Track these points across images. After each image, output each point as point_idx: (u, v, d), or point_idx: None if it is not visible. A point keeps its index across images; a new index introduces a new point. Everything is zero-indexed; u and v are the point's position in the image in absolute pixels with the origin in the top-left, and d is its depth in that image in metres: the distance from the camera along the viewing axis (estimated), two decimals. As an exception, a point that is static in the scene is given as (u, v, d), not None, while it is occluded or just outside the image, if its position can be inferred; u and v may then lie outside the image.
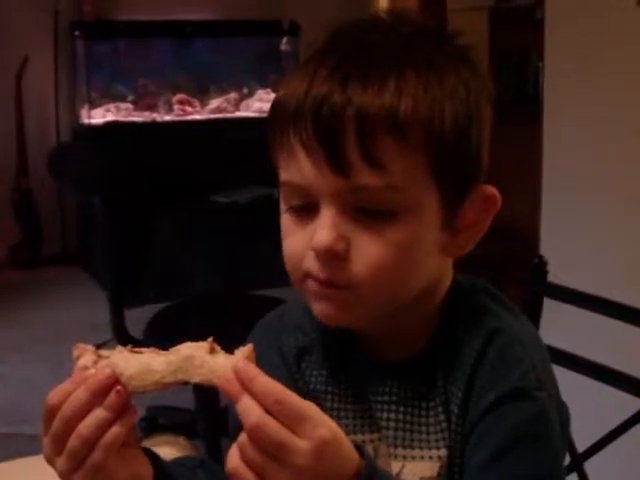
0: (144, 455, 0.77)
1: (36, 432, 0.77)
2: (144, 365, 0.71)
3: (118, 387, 0.71)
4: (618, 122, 2.07)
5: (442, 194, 0.76)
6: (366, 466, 0.69)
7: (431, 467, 0.80)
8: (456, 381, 0.79)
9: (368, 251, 0.74)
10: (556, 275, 1.36)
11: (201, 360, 0.70)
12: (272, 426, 0.65)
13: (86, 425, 0.71)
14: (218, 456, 0.85)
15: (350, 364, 0.85)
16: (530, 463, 0.75)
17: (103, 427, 0.71)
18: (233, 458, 0.67)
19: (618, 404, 1.25)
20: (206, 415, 2.36)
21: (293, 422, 0.65)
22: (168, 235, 3.63)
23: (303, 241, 0.76)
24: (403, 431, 0.82)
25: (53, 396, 0.73)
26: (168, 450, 0.78)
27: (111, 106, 4.73)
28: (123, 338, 2.66)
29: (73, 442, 0.71)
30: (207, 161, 4.23)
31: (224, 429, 0.91)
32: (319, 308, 0.78)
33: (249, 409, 0.66)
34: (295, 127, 0.75)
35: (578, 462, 1.26)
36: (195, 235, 3.67)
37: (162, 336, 2.29)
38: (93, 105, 4.69)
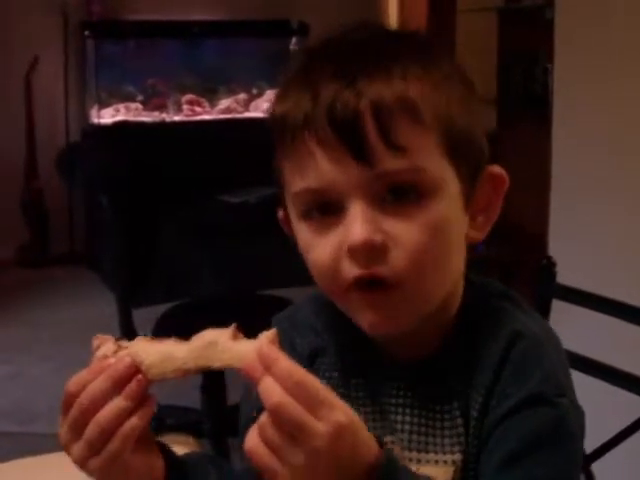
0: (156, 446, 0.77)
1: (44, 431, 0.77)
2: (164, 353, 0.71)
3: (138, 376, 0.71)
4: (628, 123, 2.06)
5: (459, 175, 0.77)
6: (386, 456, 0.68)
7: (445, 472, 0.79)
8: (477, 385, 0.78)
9: (405, 238, 0.73)
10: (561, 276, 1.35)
11: (224, 346, 0.69)
12: (292, 407, 0.65)
13: (105, 415, 0.70)
14: (225, 455, 0.85)
15: (364, 366, 0.84)
16: (548, 469, 0.74)
17: (122, 417, 0.70)
18: (251, 438, 0.67)
19: (626, 405, 1.25)
20: (213, 415, 2.36)
21: (313, 405, 0.65)
22: (176, 235, 3.63)
23: (333, 247, 0.75)
24: (418, 434, 0.81)
25: (72, 384, 0.72)
26: (177, 449, 0.79)
27: (120, 106, 4.75)
28: (131, 338, 2.66)
29: (91, 431, 0.71)
30: (216, 161, 4.23)
31: (231, 429, 0.91)
32: (369, 318, 0.76)
33: (270, 389, 0.66)
34: (310, 130, 0.74)
35: (586, 463, 1.26)
36: (203, 235, 3.67)
37: (170, 336, 2.29)
38: (102, 105, 4.70)
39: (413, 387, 0.81)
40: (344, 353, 0.85)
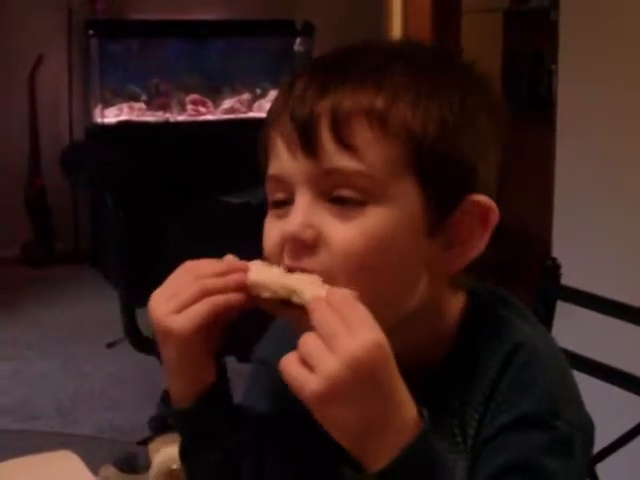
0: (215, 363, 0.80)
1: (47, 429, 0.77)
2: (274, 272, 0.76)
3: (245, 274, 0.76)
4: (632, 124, 2.06)
5: (425, 195, 0.74)
6: (424, 424, 0.69)
7: None
8: (474, 402, 0.77)
9: (337, 238, 0.73)
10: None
11: (318, 287, 0.73)
12: (332, 314, 0.68)
13: (207, 280, 0.75)
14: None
15: None
16: None
17: (219, 289, 0.75)
18: (288, 356, 0.69)
19: (631, 407, 1.25)
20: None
21: (353, 318, 0.67)
22: (179, 234, 3.64)
23: (278, 235, 0.76)
24: None
25: (196, 261, 0.78)
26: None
27: (124, 105, 4.75)
28: (134, 336, 2.66)
29: (189, 288, 0.75)
30: (219, 161, 4.23)
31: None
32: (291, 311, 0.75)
33: (319, 303, 0.70)
34: (276, 122, 0.77)
35: (590, 465, 1.25)
36: (206, 234, 3.67)
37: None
38: (106, 104, 4.70)
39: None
40: None
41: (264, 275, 0.76)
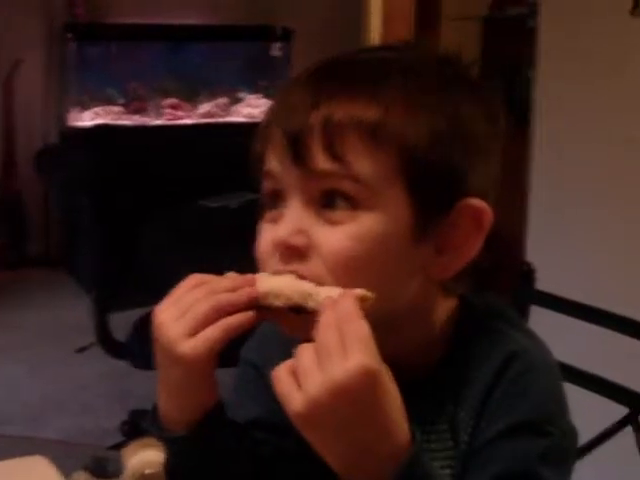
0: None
1: (17, 433, 0.76)
2: (285, 279, 0.74)
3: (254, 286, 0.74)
4: (608, 129, 2.08)
5: (414, 201, 0.75)
6: (416, 446, 0.67)
7: None
8: (467, 408, 0.77)
9: (326, 245, 0.74)
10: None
11: (334, 290, 0.72)
12: (330, 332, 0.67)
13: (220, 297, 0.73)
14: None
15: None
16: None
17: (233, 306, 0.72)
18: (283, 365, 0.68)
19: (603, 412, 1.25)
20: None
21: (349, 340, 0.66)
22: (156, 238, 3.62)
23: (270, 238, 0.76)
24: None
25: (202, 275, 0.75)
26: (153, 452, 0.79)
27: (100, 109, 4.72)
28: (106, 341, 2.65)
29: (204, 305, 0.72)
30: (196, 165, 4.21)
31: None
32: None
33: (328, 314, 0.69)
34: (270, 126, 0.77)
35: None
36: (182, 239, 3.65)
37: (147, 340, 2.28)
38: (83, 107, 4.68)
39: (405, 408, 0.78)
40: None
41: (276, 283, 0.74)
